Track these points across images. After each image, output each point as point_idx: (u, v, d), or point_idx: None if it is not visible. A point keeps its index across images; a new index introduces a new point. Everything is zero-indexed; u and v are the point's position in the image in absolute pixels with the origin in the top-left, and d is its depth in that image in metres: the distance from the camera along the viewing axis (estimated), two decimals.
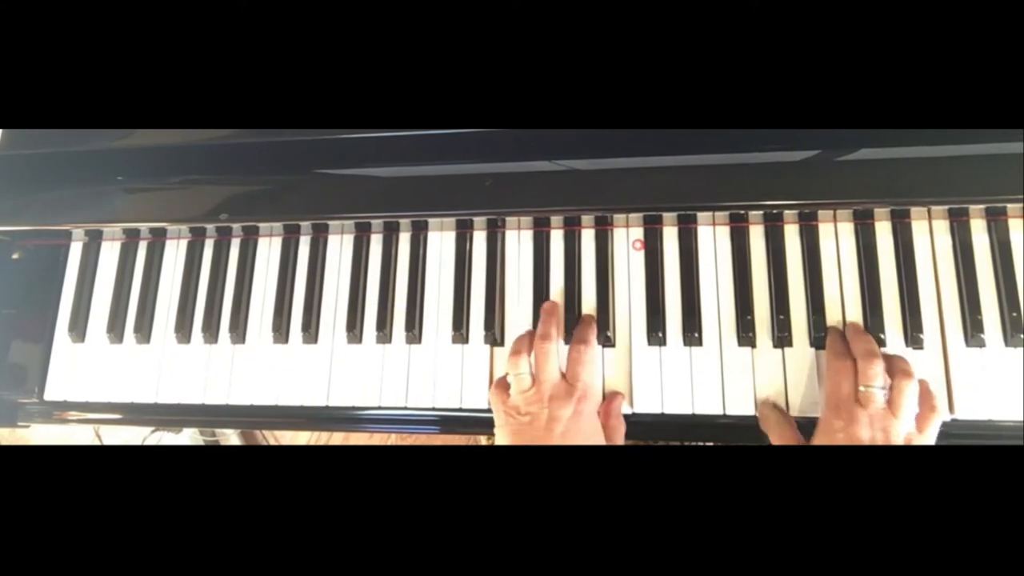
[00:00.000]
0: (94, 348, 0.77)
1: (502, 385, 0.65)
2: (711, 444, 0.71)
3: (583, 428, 0.60)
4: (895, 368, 0.58)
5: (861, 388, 0.57)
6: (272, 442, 1.55)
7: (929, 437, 0.56)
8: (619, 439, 0.64)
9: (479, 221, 0.72)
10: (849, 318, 0.64)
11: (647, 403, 0.65)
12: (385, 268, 0.73)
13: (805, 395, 0.63)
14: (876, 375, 0.57)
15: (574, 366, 0.63)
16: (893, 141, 0.61)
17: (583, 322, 0.67)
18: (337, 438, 1.47)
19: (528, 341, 0.64)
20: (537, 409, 0.60)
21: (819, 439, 0.58)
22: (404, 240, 0.74)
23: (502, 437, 0.62)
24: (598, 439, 0.62)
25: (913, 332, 0.63)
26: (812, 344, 0.64)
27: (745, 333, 0.65)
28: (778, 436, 0.61)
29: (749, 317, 0.65)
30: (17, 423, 0.78)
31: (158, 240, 0.79)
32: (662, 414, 0.65)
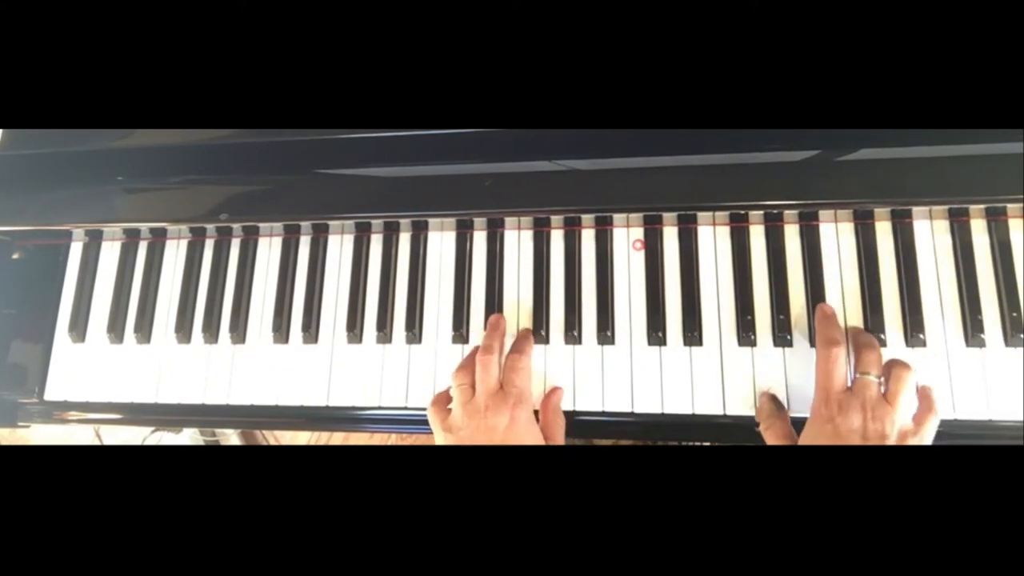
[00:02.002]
0: (94, 348, 0.77)
1: (440, 402, 0.66)
2: (710, 444, 0.71)
3: (519, 433, 0.61)
4: (893, 361, 0.58)
5: (856, 375, 0.57)
6: (272, 442, 1.55)
7: (926, 437, 0.56)
8: (558, 434, 0.65)
9: (479, 221, 0.72)
10: (849, 318, 0.64)
11: (647, 403, 0.65)
12: (385, 268, 0.73)
13: (805, 395, 0.63)
14: (872, 362, 0.57)
15: (509, 374, 0.64)
16: (893, 141, 0.61)
17: (520, 335, 0.68)
18: (337, 438, 1.47)
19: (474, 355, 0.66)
20: (477, 420, 0.62)
21: (809, 429, 0.58)
22: (404, 240, 0.74)
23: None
24: (535, 441, 0.62)
25: (913, 332, 0.63)
26: (812, 344, 0.64)
27: (745, 333, 0.65)
28: (767, 427, 0.61)
29: (749, 317, 0.65)
30: (17, 423, 0.78)
31: (158, 240, 0.79)
32: (662, 414, 0.65)
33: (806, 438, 0.58)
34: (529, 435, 0.62)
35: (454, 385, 0.65)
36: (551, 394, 0.67)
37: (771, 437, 0.61)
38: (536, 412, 0.66)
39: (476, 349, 0.66)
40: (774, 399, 0.63)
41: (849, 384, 0.58)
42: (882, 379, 0.57)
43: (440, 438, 0.64)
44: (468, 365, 0.65)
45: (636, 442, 0.71)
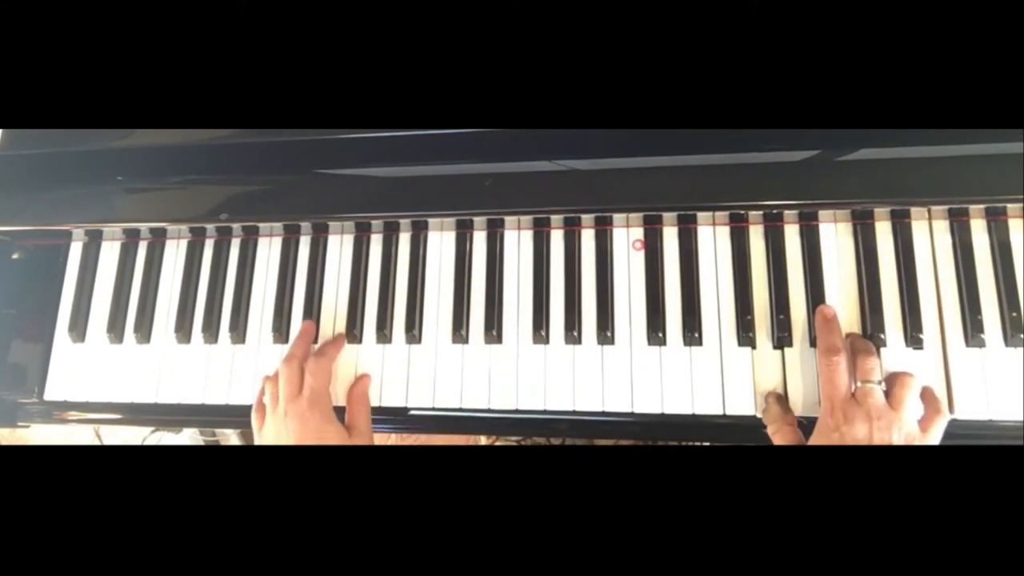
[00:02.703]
0: (94, 348, 0.77)
1: (259, 408, 0.70)
2: (709, 444, 0.71)
3: (316, 432, 0.65)
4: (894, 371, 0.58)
5: (858, 383, 0.57)
6: None
7: (933, 439, 0.56)
8: (362, 423, 0.68)
9: (479, 221, 0.72)
10: (849, 318, 0.64)
11: (647, 403, 0.65)
12: (385, 268, 0.73)
13: (805, 395, 0.63)
14: (873, 369, 0.57)
15: (307, 376, 0.67)
16: (893, 141, 0.61)
17: (329, 339, 0.72)
18: None
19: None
20: (279, 425, 0.66)
21: (816, 438, 0.58)
22: (404, 240, 0.74)
23: None
24: (332, 432, 0.66)
25: (913, 332, 0.63)
26: (812, 344, 0.64)
27: (745, 333, 0.65)
28: (775, 430, 0.61)
29: (749, 317, 0.65)
30: (17, 423, 0.78)
31: (158, 240, 0.79)
32: (662, 414, 0.65)
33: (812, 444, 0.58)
34: (327, 433, 0.66)
35: (263, 393, 0.69)
36: (356, 383, 0.70)
37: (779, 440, 0.61)
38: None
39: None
40: (781, 400, 0.63)
41: (853, 392, 0.58)
42: (883, 384, 0.57)
43: (257, 442, 0.68)
44: (275, 376, 0.69)
45: (636, 442, 0.71)
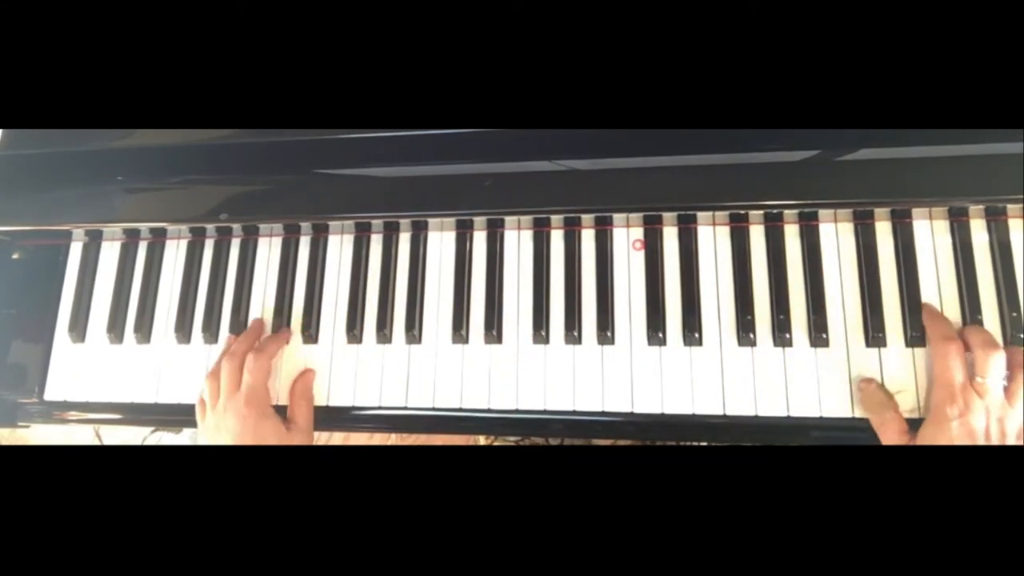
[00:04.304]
0: (94, 348, 0.77)
1: (201, 406, 0.71)
2: (707, 444, 0.71)
3: (253, 429, 0.66)
4: (1014, 360, 0.57)
5: (978, 379, 0.56)
6: None
7: None
8: (303, 418, 0.69)
9: (479, 221, 0.72)
10: (849, 318, 0.64)
11: (647, 403, 0.65)
12: (385, 268, 0.73)
13: (805, 395, 0.63)
14: (997, 366, 0.56)
15: (245, 374, 0.68)
16: (893, 141, 0.61)
17: (271, 336, 0.72)
18: (337, 438, 1.47)
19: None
20: (218, 421, 0.68)
21: (931, 426, 0.57)
22: (404, 240, 0.74)
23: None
24: (269, 428, 0.67)
25: (913, 332, 0.63)
26: (812, 344, 0.64)
27: (745, 333, 0.65)
28: (880, 421, 0.59)
29: (749, 317, 0.65)
30: (17, 423, 0.78)
31: (158, 240, 0.79)
32: (662, 414, 0.65)
33: (925, 436, 0.57)
34: (263, 429, 0.66)
35: (205, 389, 0.70)
36: (299, 378, 0.71)
37: (887, 433, 0.59)
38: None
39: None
40: (882, 387, 0.61)
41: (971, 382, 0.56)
42: (1005, 378, 0.56)
43: (200, 439, 0.69)
44: (216, 371, 0.70)
45: (635, 442, 0.71)
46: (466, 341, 0.70)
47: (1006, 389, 0.56)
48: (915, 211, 0.64)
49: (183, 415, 0.74)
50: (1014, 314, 0.61)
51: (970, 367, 0.57)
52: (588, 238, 0.70)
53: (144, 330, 0.76)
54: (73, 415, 0.77)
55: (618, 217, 0.69)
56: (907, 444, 0.58)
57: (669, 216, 0.68)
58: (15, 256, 0.81)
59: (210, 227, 0.76)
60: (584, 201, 0.66)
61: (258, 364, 0.68)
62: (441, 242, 0.73)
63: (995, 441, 0.54)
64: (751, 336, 0.65)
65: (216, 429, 0.67)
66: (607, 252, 0.69)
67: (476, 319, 0.70)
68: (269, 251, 0.76)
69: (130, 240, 0.79)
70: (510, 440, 1.16)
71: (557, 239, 0.71)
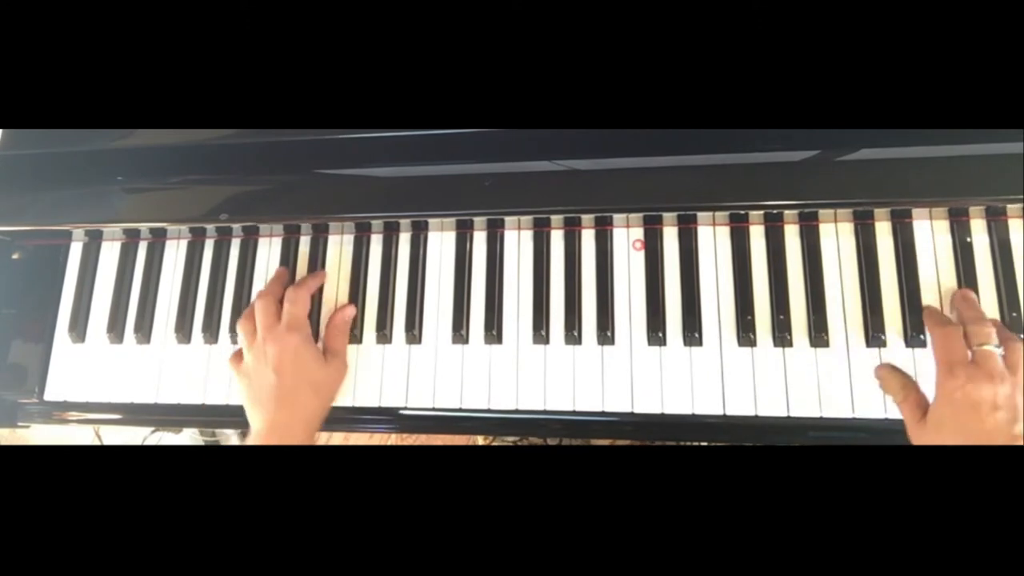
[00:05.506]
0: (94, 348, 0.77)
1: (236, 355, 0.71)
2: (707, 444, 0.71)
3: (293, 355, 0.66)
4: (1004, 333, 0.57)
5: (975, 347, 0.56)
6: None
7: None
8: (339, 344, 0.70)
9: (479, 221, 0.72)
10: (849, 318, 0.64)
11: (647, 403, 0.65)
12: (385, 268, 0.73)
13: (805, 395, 0.63)
14: (990, 334, 0.56)
15: (286, 305, 0.69)
16: (893, 141, 0.61)
17: (305, 277, 0.73)
18: (337, 438, 1.47)
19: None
20: (256, 352, 0.67)
21: (939, 404, 0.57)
22: (404, 240, 0.74)
23: (243, 401, 0.68)
24: (311, 354, 0.67)
25: (913, 332, 0.63)
26: (812, 344, 0.64)
27: (745, 333, 0.65)
28: (903, 398, 0.59)
29: (749, 317, 0.65)
30: (17, 423, 0.78)
31: (158, 240, 0.79)
32: (662, 414, 0.65)
33: (936, 411, 0.57)
34: (305, 355, 0.67)
35: (240, 333, 0.69)
36: (338, 311, 0.72)
37: (908, 408, 0.59)
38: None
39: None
40: (897, 368, 0.61)
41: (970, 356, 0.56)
42: (1001, 347, 0.56)
43: (238, 386, 0.69)
44: (250, 313, 0.69)
45: (635, 442, 0.71)
46: (466, 341, 0.70)
47: (1004, 358, 0.56)
48: (915, 211, 0.64)
49: (183, 415, 0.74)
50: (1014, 314, 0.61)
51: (967, 340, 0.57)
52: (588, 238, 0.70)
53: (144, 330, 0.76)
54: (73, 415, 0.77)
55: (618, 217, 0.69)
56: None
57: (669, 216, 0.68)
58: (15, 256, 0.81)
59: (210, 227, 0.76)
60: (584, 201, 0.66)
61: (299, 295, 0.69)
62: (441, 242, 0.73)
63: (1004, 410, 0.53)
64: (751, 336, 0.65)
65: (256, 365, 0.67)
66: (607, 252, 0.69)
67: (476, 319, 0.70)
68: (269, 251, 0.76)
69: (130, 240, 0.79)
70: (508, 440, 1.16)
71: (557, 239, 0.71)
